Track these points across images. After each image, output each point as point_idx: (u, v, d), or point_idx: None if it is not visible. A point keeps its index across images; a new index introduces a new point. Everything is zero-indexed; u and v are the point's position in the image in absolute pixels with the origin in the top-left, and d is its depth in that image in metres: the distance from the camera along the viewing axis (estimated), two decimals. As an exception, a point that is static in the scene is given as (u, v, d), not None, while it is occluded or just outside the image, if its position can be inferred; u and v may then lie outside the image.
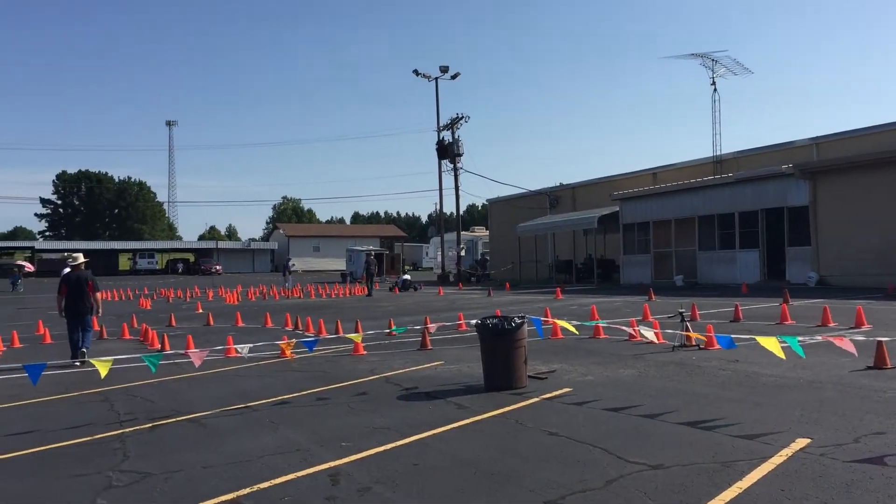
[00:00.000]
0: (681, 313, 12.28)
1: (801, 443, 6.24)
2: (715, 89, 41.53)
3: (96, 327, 15.26)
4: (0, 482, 6.01)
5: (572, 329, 10.93)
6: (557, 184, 52.97)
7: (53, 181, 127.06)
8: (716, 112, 41.58)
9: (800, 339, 8.58)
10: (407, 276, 43.64)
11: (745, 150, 38.79)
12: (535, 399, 8.62)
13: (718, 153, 40.03)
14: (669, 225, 35.54)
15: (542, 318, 14.22)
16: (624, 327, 11.98)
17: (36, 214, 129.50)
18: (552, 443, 6.62)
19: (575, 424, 7.27)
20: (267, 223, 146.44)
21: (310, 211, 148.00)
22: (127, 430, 7.78)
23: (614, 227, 39.53)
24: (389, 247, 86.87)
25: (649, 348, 12.19)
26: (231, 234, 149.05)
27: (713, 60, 41.48)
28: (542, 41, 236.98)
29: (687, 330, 11.66)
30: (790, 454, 5.94)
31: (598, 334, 14.19)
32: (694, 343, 11.97)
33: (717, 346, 11.36)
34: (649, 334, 10.47)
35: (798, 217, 29.50)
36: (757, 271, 30.95)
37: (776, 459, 5.80)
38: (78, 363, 12.81)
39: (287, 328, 18.76)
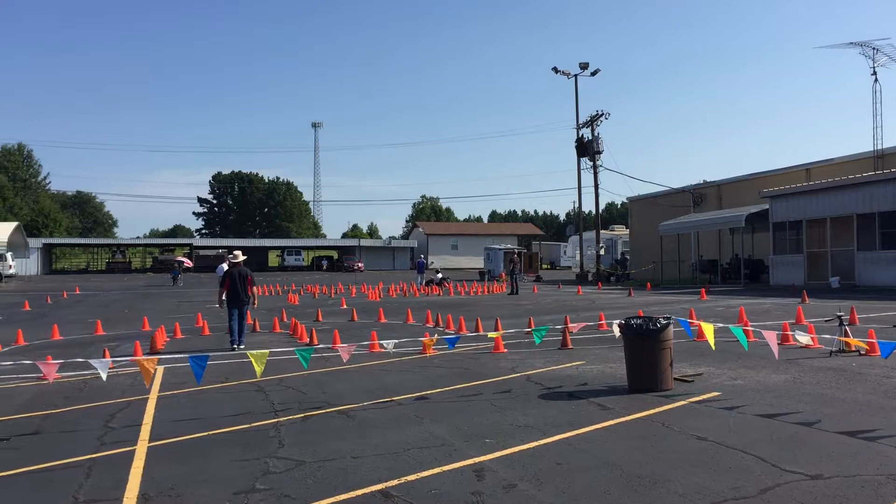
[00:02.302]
0: (839, 317, 11.65)
1: (979, 459, 5.78)
2: (876, 79, 38.94)
3: (249, 321, 16.20)
4: (169, 464, 6.47)
5: (711, 339, 10.53)
6: (701, 181, 51.08)
7: (210, 181, 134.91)
8: (876, 104, 38.98)
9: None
10: (439, 274, 43.46)
11: (910, 144, 36.16)
12: (682, 402, 8.39)
13: (880, 147, 37.47)
14: (825, 223, 33.57)
15: (689, 320, 13.80)
16: (770, 333, 11.45)
17: (194, 213, 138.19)
18: (701, 447, 6.44)
19: (725, 429, 7.04)
20: (406, 221, 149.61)
21: (448, 209, 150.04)
22: (281, 419, 8.18)
23: (763, 225, 37.84)
24: (527, 245, 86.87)
25: (804, 353, 11.61)
26: (372, 231, 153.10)
27: (874, 49, 38.88)
28: (683, 36, 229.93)
29: (846, 334, 11.01)
30: (967, 470, 5.52)
31: (747, 337, 13.61)
32: (854, 349, 11.28)
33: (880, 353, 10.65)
34: (804, 338, 9.96)
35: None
36: (924, 273, 28.78)
37: (951, 475, 5.41)
38: (236, 348, 14.36)
39: (428, 325, 19.11)
